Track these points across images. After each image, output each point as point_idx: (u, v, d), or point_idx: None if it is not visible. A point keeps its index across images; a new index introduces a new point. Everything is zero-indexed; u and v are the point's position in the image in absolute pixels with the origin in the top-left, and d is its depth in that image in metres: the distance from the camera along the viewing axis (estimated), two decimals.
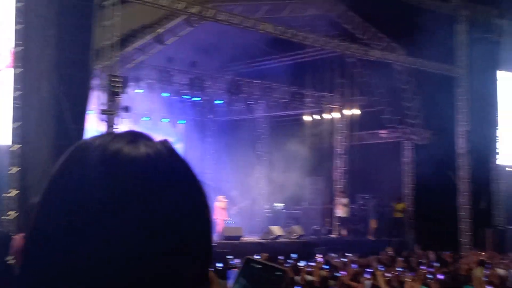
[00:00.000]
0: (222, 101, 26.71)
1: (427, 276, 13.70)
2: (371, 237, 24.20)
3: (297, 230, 22.57)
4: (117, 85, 16.04)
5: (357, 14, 23.36)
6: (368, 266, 15.83)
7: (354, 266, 15.54)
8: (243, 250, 17.66)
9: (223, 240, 19.60)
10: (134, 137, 1.14)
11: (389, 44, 23.40)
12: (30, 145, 13.93)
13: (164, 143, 1.16)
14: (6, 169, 13.90)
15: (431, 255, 20.11)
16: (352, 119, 27.19)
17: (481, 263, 17.19)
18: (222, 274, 10.82)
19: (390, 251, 20.83)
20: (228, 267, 13.63)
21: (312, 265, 15.53)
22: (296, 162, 26.30)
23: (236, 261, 14.98)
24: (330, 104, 27.03)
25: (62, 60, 14.37)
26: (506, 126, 25.80)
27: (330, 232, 24.94)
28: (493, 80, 25.58)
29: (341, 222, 24.92)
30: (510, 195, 25.61)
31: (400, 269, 15.22)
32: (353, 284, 12.63)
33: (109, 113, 16.12)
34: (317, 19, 23.59)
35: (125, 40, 18.71)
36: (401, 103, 25.17)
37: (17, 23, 14.19)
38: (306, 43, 21.49)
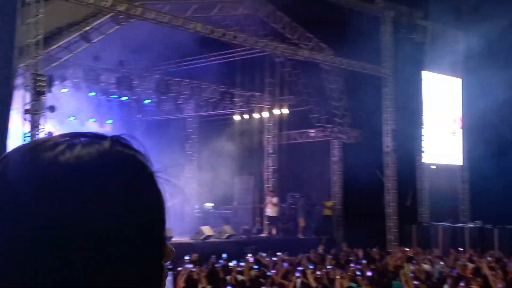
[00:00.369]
0: (150, 101, 26.41)
1: (356, 273, 13.89)
2: (300, 236, 24.39)
3: (227, 230, 22.54)
4: (41, 84, 15.63)
5: (286, 14, 23.49)
6: (299, 265, 15.95)
7: (284, 264, 15.61)
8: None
9: None
10: (74, 139, 1.08)
11: (317, 44, 23.64)
12: None
13: (112, 144, 1.09)
14: None
15: (359, 252, 20.42)
16: (281, 118, 27.35)
17: (408, 259, 17.58)
18: None
19: (321, 249, 21.05)
20: None
21: (242, 265, 15.54)
22: (226, 161, 26.28)
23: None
24: (260, 104, 27.11)
25: None
26: (431, 125, 26.46)
27: (260, 231, 25.01)
28: (419, 80, 26.18)
29: (271, 221, 25.02)
30: (434, 192, 26.30)
31: (330, 267, 15.38)
32: (284, 282, 12.67)
33: (34, 112, 15.69)
34: (246, 19, 23.62)
35: (50, 38, 18.25)
36: (329, 102, 25.47)
37: None
38: (235, 43, 21.47)
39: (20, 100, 15.85)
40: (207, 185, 26.16)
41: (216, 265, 15.63)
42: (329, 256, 18.58)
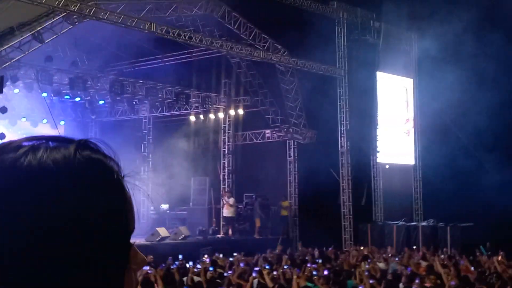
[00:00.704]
0: (104, 102, 26.11)
1: (312, 272, 13.97)
2: (257, 236, 24.42)
3: (183, 231, 22.43)
4: None
5: (241, 15, 23.51)
6: (255, 265, 15.97)
7: (241, 265, 15.61)
8: None
9: None
10: (39, 142, 1.07)
11: (273, 45, 23.71)
12: None
13: (79, 148, 1.08)
14: None
15: (315, 252, 20.55)
16: (237, 119, 27.36)
17: (364, 258, 17.76)
18: None
19: (279, 249, 21.11)
20: None
21: (199, 266, 15.48)
22: (182, 162, 26.18)
23: None
24: (215, 104, 27.06)
25: None
26: (385, 125, 26.78)
27: (216, 232, 24.95)
28: (373, 81, 26.46)
29: (227, 222, 24.99)
30: (388, 191, 26.63)
31: (286, 267, 15.43)
32: (241, 283, 12.67)
33: None
34: (201, 19, 23.55)
35: (1, 38, 17.91)
36: (285, 103, 25.57)
37: None
38: (190, 43, 21.39)
39: None
40: (163, 186, 25.98)
41: (172, 267, 15.54)
42: (286, 256, 18.64)
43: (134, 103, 25.91)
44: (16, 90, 22.14)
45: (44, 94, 23.32)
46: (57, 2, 16.69)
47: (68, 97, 24.63)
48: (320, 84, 24.58)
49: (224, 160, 27.35)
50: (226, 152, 27.39)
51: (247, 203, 25.99)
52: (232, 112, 26.92)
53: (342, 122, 25.08)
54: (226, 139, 27.45)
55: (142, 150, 28.30)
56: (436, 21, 24.41)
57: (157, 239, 21.06)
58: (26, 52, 19.68)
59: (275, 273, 14.04)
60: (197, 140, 28.33)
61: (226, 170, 27.21)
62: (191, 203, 26.58)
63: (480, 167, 24.24)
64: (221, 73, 26.87)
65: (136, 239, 21.19)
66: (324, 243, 21.43)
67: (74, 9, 17.24)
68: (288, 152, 26.21)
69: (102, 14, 17.82)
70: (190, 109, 26.91)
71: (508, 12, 23.42)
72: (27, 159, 1.04)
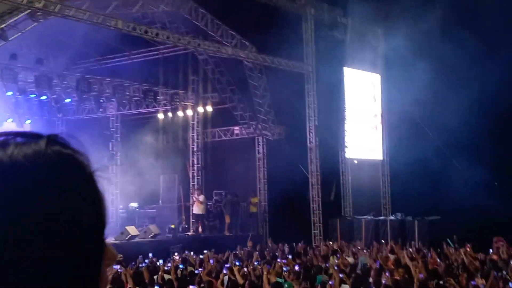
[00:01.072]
0: (71, 100, 25.83)
1: (283, 268, 14.01)
2: (227, 233, 24.42)
3: (153, 229, 22.33)
4: None
5: (208, 12, 23.44)
6: (226, 262, 15.96)
7: (211, 262, 15.60)
8: None
9: None
10: (9, 137, 1.06)
11: (240, 41, 23.69)
12: None
13: (49, 143, 1.06)
14: None
15: (285, 247, 20.62)
16: (205, 116, 27.28)
17: (333, 253, 17.88)
18: None
19: (250, 245, 21.14)
20: None
21: (169, 264, 15.43)
22: (150, 160, 26.04)
23: None
24: (184, 101, 26.94)
25: None
26: (353, 120, 26.94)
27: (186, 230, 24.89)
28: (340, 76, 26.59)
29: (197, 219, 24.94)
30: (357, 186, 26.81)
31: (256, 263, 15.45)
32: (212, 280, 12.65)
33: None
34: (168, 16, 23.44)
35: None
36: (253, 99, 25.58)
37: None
38: (158, 40, 21.26)
39: None
40: (132, 184, 25.83)
41: (142, 265, 15.47)
42: (256, 252, 18.67)
43: (101, 101, 25.67)
44: None
45: (9, 93, 23.01)
46: None
47: (33, 95, 24.31)
48: (288, 80, 24.63)
49: (193, 158, 27.26)
50: (195, 149, 27.31)
51: (217, 200, 25.96)
52: (200, 109, 26.83)
53: (310, 118, 25.17)
54: (195, 136, 27.36)
55: (110, 149, 28.06)
56: (403, 17, 24.58)
57: (127, 238, 20.93)
58: None
59: (245, 269, 14.05)
60: (166, 137, 28.20)
61: (196, 167, 27.13)
62: (160, 201, 26.48)
63: (448, 164, 24.53)
64: (188, 70, 26.77)
65: (106, 238, 21.03)
66: (294, 238, 21.51)
67: (39, 6, 17.01)
68: (257, 148, 26.24)
69: (68, 10, 17.61)
70: (158, 107, 26.76)
71: (477, 9, 23.69)
72: None
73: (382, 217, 25.31)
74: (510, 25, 23.15)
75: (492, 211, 21.16)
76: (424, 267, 13.21)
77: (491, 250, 17.69)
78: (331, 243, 21.90)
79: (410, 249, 18.66)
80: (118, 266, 13.58)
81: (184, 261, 16.44)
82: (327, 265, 14.93)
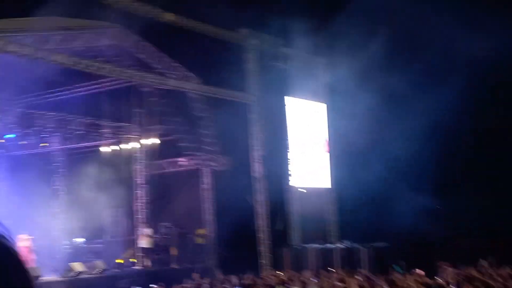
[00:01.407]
0: (14, 135, 25.38)
1: None
2: (175, 266, 24.22)
3: (100, 264, 22.01)
4: None
5: (151, 44, 23.47)
6: None
7: None
8: None
9: None
10: None
11: (184, 73, 23.76)
12: None
13: None
14: None
15: (234, 279, 20.52)
16: (151, 148, 27.16)
17: (281, 283, 17.90)
18: None
19: (196, 277, 20.97)
20: None
21: None
22: (95, 194, 25.69)
23: None
24: (128, 134, 26.79)
25: None
26: (299, 149, 27.15)
27: (133, 264, 24.59)
28: (282, 106, 26.82)
29: (144, 253, 24.67)
30: (305, 215, 26.93)
31: None
32: None
33: None
34: (110, 49, 23.35)
35: None
36: (198, 130, 25.61)
37: None
38: (100, 74, 21.15)
39: None
40: (77, 220, 25.41)
41: None
42: (205, 285, 18.55)
43: (44, 135, 25.31)
44: None
45: None
46: None
47: None
48: (232, 110, 24.75)
49: (138, 190, 27.04)
50: (141, 182, 27.10)
51: (164, 232, 25.76)
52: (145, 141, 26.70)
53: (255, 148, 25.30)
54: (140, 169, 27.17)
55: (54, 184, 27.60)
56: (346, 47, 24.99)
57: (73, 275, 20.55)
58: None
59: None
60: (111, 170, 27.91)
61: (141, 200, 26.90)
62: (107, 235, 26.12)
63: (393, 192, 24.89)
64: (132, 102, 26.65)
65: (51, 276, 20.62)
66: (242, 269, 21.45)
67: None
68: (202, 179, 26.20)
69: (11, 46, 17.37)
70: (102, 140, 26.53)
71: (420, 35, 24.29)
72: None
73: (330, 245, 25.48)
74: (453, 52, 23.78)
75: (437, 236, 21.62)
76: None
77: (437, 275, 18.00)
78: (279, 273, 21.90)
79: (359, 277, 18.81)
80: None
81: None
82: None
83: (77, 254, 25.37)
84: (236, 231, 24.40)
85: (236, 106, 25.03)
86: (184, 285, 19.08)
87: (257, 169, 25.21)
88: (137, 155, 27.24)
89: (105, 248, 25.63)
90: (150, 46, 23.51)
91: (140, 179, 27.18)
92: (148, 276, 21.70)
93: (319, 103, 28.42)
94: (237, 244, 24.10)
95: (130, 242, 25.51)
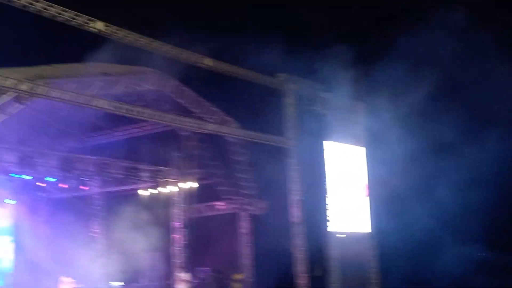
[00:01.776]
0: (55, 179, 25.70)
1: None
2: None
3: None
4: None
5: (190, 89, 23.73)
6: None
7: None
8: None
9: None
10: None
11: (222, 118, 23.89)
12: None
13: None
14: None
15: None
16: (189, 192, 27.20)
17: None
18: None
19: None
20: None
21: None
22: (134, 238, 25.74)
23: None
24: (166, 178, 26.91)
25: None
26: (334, 194, 26.89)
27: None
28: (321, 150, 26.69)
29: None
30: (344, 260, 26.51)
31: None
32: None
33: None
34: (151, 94, 23.66)
35: None
36: (236, 174, 25.61)
37: None
38: (141, 118, 21.38)
39: None
40: (115, 263, 25.45)
41: None
42: None
43: (84, 179, 25.58)
44: None
45: None
46: (7, 81, 16.53)
47: (16, 175, 24.20)
48: (270, 154, 24.73)
49: (177, 234, 27.00)
50: (179, 226, 27.08)
51: (201, 277, 25.61)
52: (183, 185, 26.78)
53: (294, 192, 25.14)
54: (178, 213, 27.19)
55: (93, 226, 27.79)
56: (386, 91, 24.82)
57: None
58: None
59: None
60: (149, 214, 27.97)
61: (179, 244, 26.83)
62: (144, 279, 26.07)
63: (438, 240, 24.35)
64: (171, 146, 26.84)
65: None
66: None
67: (25, 89, 17.07)
68: (240, 223, 26.09)
69: (54, 92, 17.67)
70: (141, 183, 26.69)
71: (462, 79, 23.99)
72: None
73: None
74: (498, 99, 23.39)
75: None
76: None
77: None
78: None
79: None
80: None
81: None
82: None
83: None
84: (274, 277, 24.13)
85: (274, 150, 25.01)
86: None
87: (296, 213, 25.02)
88: (175, 198, 27.28)
89: None
90: (189, 91, 23.77)
91: (178, 223, 27.18)
92: None
93: (358, 147, 28.21)
94: None
95: (168, 286, 25.38)
